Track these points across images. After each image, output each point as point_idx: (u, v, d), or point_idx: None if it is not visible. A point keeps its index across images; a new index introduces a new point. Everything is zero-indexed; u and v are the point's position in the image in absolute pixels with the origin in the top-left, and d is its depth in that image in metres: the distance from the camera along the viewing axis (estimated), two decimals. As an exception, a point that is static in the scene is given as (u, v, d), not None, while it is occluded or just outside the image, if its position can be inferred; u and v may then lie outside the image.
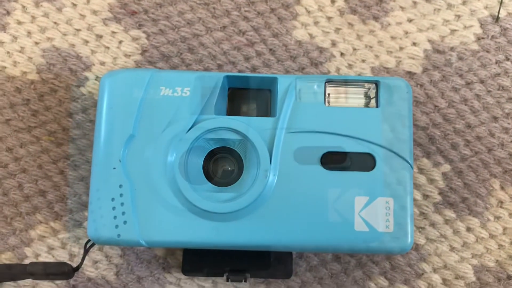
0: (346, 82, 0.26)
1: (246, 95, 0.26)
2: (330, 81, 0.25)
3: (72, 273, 0.26)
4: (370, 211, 0.24)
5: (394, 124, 0.25)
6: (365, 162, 0.24)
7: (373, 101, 0.25)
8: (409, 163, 0.24)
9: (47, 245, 0.29)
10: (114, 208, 0.25)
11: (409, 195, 0.24)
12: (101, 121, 0.25)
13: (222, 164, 0.26)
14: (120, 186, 0.25)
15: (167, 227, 0.24)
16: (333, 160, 0.24)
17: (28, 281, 0.29)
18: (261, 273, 0.27)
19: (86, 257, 0.29)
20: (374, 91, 0.25)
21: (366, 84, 0.26)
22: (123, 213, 0.24)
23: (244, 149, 0.25)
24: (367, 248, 0.24)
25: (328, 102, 0.25)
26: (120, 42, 0.31)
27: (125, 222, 0.24)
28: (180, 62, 0.31)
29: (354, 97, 0.25)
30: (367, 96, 0.26)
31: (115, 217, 0.25)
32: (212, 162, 0.26)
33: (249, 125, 0.25)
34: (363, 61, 0.31)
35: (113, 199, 0.25)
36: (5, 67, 0.31)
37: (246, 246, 0.24)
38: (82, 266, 0.29)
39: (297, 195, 0.24)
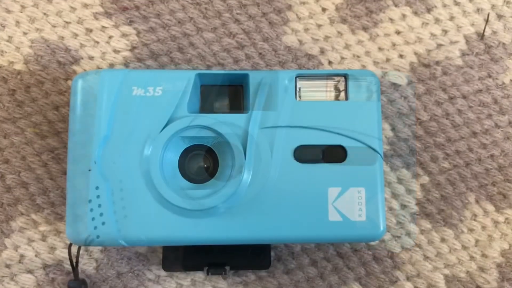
0: (315, 76, 0.26)
1: (219, 92, 0.27)
2: (300, 76, 0.26)
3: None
4: (343, 201, 0.25)
5: (364, 115, 0.25)
6: (337, 154, 0.25)
7: (342, 94, 0.26)
8: (379, 154, 0.25)
9: (27, 237, 0.29)
10: (92, 209, 0.25)
11: (380, 184, 0.25)
12: (74, 122, 0.25)
13: (197, 161, 0.26)
14: (97, 187, 0.25)
15: (145, 226, 0.25)
16: (306, 153, 0.25)
17: (30, 280, 0.29)
18: (240, 265, 0.28)
19: (66, 251, 0.29)
20: (343, 84, 0.26)
21: (335, 78, 0.26)
22: (101, 214, 0.25)
23: (219, 146, 0.25)
24: (341, 237, 0.25)
25: (299, 97, 0.26)
26: (110, 37, 0.31)
27: (103, 223, 0.25)
28: (169, 61, 0.31)
29: (324, 91, 0.26)
30: (337, 89, 0.26)
31: (93, 219, 0.25)
32: (187, 159, 0.26)
33: (222, 122, 0.25)
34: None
35: (90, 201, 0.25)
36: (2, 66, 0.31)
37: (223, 241, 0.25)
38: (62, 260, 0.29)
39: (272, 189, 0.25)
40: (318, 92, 0.26)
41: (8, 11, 0.31)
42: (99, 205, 0.25)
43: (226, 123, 0.25)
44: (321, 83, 0.26)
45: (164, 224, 0.25)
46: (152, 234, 0.25)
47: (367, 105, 0.26)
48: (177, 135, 0.25)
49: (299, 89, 0.26)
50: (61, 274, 0.29)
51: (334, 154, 0.25)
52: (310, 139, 0.25)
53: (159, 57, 0.31)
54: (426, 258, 0.30)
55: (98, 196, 0.25)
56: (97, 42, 0.31)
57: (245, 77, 0.26)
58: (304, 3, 0.32)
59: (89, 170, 0.25)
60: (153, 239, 0.25)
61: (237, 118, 0.25)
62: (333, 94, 0.26)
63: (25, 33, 0.31)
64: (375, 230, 0.25)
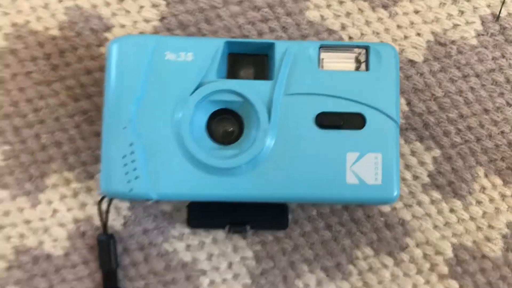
0: (338, 47, 0.28)
1: (245, 60, 0.28)
2: (324, 46, 0.27)
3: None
4: (360, 166, 0.26)
5: (382, 86, 0.27)
6: (356, 121, 0.27)
7: (363, 65, 0.27)
8: (396, 121, 0.27)
9: (59, 193, 0.31)
10: (125, 164, 0.26)
11: (396, 151, 0.27)
12: (109, 84, 0.27)
13: (224, 124, 0.27)
14: (131, 144, 0.26)
15: (175, 181, 0.26)
16: (327, 120, 0.27)
17: (62, 233, 0.31)
18: (260, 224, 0.29)
19: (96, 208, 0.31)
20: (364, 55, 0.27)
21: (356, 50, 0.28)
22: (134, 169, 0.26)
23: (244, 110, 0.27)
24: (357, 199, 0.27)
25: (322, 66, 0.27)
26: (141, 7, 0.33)
27: (136, 177, 0.26)
28: (197, 31, 0.33)
29: (346, 62, 0.28)
30: (357, 60, 0.28)
31: (127, 173, 0.26)
32: (215, 122, 0.27)
33: (249, 87, 0.26)
34: (370, 46, 0.33)
35: (124, 156, 0.26)
36: (29, 22, 0.32)
37: (245, 198, 0.27)
38: (92, 216, 0.31)
39: (294, 152, 0.26)
40: (340, 62, 0.28)
41: (45, -21, 0.33)
42: (133, 161, 0.26)
43: (252, 89, 0.26)
44: (343, 54, 0.28)
45: (192, 180, 0.26)
46: (180, 189, 0.26)
47: (386, 76, 0.27)
48: (206, 98, 0.26)
49: (322, 59, 0.27)
50: (91, 228, 0.31)
51: (354, 121, 0.27)
52: (331, 107, 0.27)
53: (187, 28, 0.33)
54: (435, 227, 0.32)
55: (132, 152, 0.26)
56: (129, 12, 0.33)
57: (271, 46, 0.27)
58: (327, -20, 0.33)
59: (124, 128, 0.26)
60: (181, 194, 0.27)
61: (263, 85, 0.27)
62: (354, 65, 0.28)
63: (60, 1, 0.33)
64: (389, 193, 0.27)
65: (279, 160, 0.26)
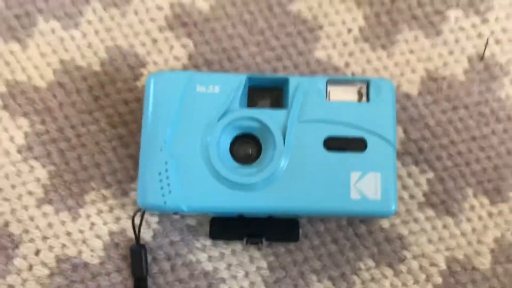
0: (343, 81, 0.32)
1: (263, 92, 0.33)
2: (331, 81, 0.32)
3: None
4: (362, 183, 0.30)
5: (381, 115, 0.31)
6: (359, 144, 0.31)
7: (364, 97, 0.32)
8: (393, 145, 0.31)
9: (97, 208, 0.35)
10: (160, 180, 0.31)
11: (393, 170, 0.31)
12: (148, 111, 0.31)
13: (245, 147, 0.32)
14: (166, 163, 0.31)
15: (203, 196, 0.30)
16: (334, 143, 0.31)
17: (98, 244, 0.35)
18: (274, 237, 0.33)
19: (128, 222, 0.35)
20: (365, 89, 0.32)
21: (359, 83, 0.32)
22: (168, 184, 0.31)
23: (263, 135, 0.31)
24: (360, 212, 0.31)
25: (329, 98, 0.32)
26: (172, 47, 0.38)
27: (169, 192, 0.31)
28: (220, 68, 0.37)
29: (350, 94, 0.32)
30: (360, 93, 0.32)
31: (161, 188, 0.31)
32: (237, 145, 0.32)
33: (267, 115, 0.31)
34: (370, 81, 0.37)
35: (159, 173, 0.31)
36: (75, 59, 0.37)
37: (262, 211, 0.31)
38: (125, 228, 0.35)
39: (305, 171, 0.30)
40: (344, 94, 0.32)
41: (89, 22, 0.38)
42: (167, 177, 0.31)
43: (269, 116, 0.31)
44: (347, 87, 0.32)
45: (217, 195, 0.30)
46: (207, 203, 0.31)
47: (385, 106, 0.32)
48: (230, 124, 0.31)
49: (329, 91, 0.32)
50: (124, 240, 0.35)
51: (357, 144, 0.31)
52: (337, 132, 0.31)
53: (211, 65, 0.37)
54: (430, 241, 0.36)
55: (166, 170, 0.31)
56: (161, 51, 0.38)
57: (285, 80, 0.32)
58: (333, 24, 0.38)
59: (160, 149, 0.31)
60: (208, 207, 0.31)
61: (278, 113, 0.31)
62: (356, 96, 0.32)
63: (102, 41, 0.38)
64: (388, 207, 0.31)
65: (292, 178, 0.31)
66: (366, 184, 0.31)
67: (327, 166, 0.31)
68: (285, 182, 0.31)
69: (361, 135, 0.31)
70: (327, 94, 0.32)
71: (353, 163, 0.31)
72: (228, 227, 0.34)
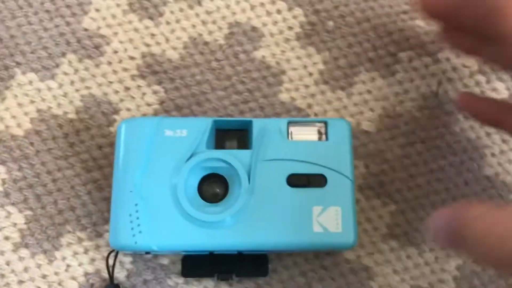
0: (303, 122, 0.35)
1: (229, 134, 0.35)
2: (292, 122, 0.34)
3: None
4: (324, 217, 0.32)
5: (339, 152, 0.33)
6: (319, 180, 0.33)
7: (323, 136, 0.34)
8: (351, 180, 0.33)
9: (72, 250, 0.37)
10: (131, 221, 0.32)
11: (352, 203, 0.33)
12: (119, 156, 0.33)
13: (212, 186, 0.33)
14: (136, 204, 0.32)
15: (172, 235, 0.32)
16: (296, 180, 0.33)
17: (74, 285, 0.36)
18: (244, 272, 0.35)
19: (103, 263, 0.36)
20: (324, 128, 0.34)
21: (318, 124, 0.34)
22: (138, 225, 0.32)
23: (229, 174, 0.33)
24: (323, 244, 0.32)
25: (291, 138, 0.34)
26: (144, 94, 0.40)
27: (140, 232, 0.32)
28: (190, 112, 0.40)
29: (310, 133, 0.34)
30: (319, 132, 0.34)
31: (132, 229, 0.32)
32: (205, 185, 0.33)
33: (232, 156, 0.33)
34: (331, 120, 0.40)
35: (130, 215, 0.32)
36: (51, 108, 0.39)
37: (231, 247, 0.32)
38: (100, 269, 0.36)
39: (269, 207, 0.32)
40: (305, 134, 0.34)
41: (65, 73, 0.40)
42: (137, 218, 0.32)
43: (235, 157, 0.33)
44: (307, 128, 0.35)
45: (186, 233, 0.32)
46: (176, 241, 0.32)
47: (342, 144, 0.34)
48: (197, 165, 0.33)
49: (291, 132, 0.34)
50: (99, 280, 0.36)
51: (318, 180, 0.33)
52: (299, 169, 0.33)
53: (182, 109, 0.40)
54: (395, 271, 0.37)
55: (136, 211, 0.32)
56: (133, 97, 0.40)
57: (250, 123, 0.34)
58: (295, 69, 0.41)
59: (130, 191, 0.32)
60: (177, 245, 0.32)
61: (244, 153, 0.33)
62: (316, 136, 0.34)
63: (77, 90, 0.40)
64: (349, 239, 0.32)
65: (257, 214, 0.32)
66: (327, 218, 0.32)
67: (291, 202, 0.33)
68: (252, 219, 0.32)
69: (321, 172, 0.33)
70: (288, 134, 0.34)
71: (314, 198, 0.33)
72: (199, 265, 0.35)
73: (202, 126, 0.34)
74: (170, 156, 0.33)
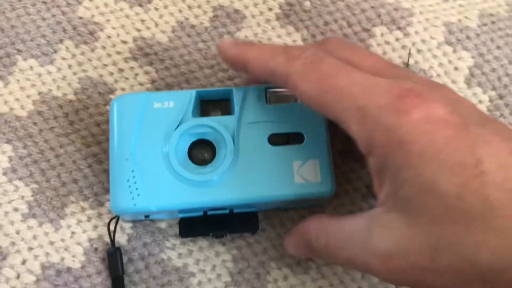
0: (279, 88, 0.37)
1: (213, 103, 0.38)
2: (268, 88, 0.37)
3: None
4: (303, 170, 0.35)
5: (313, 115, 0.36)
6: (298, 138, 0.36)
7: (299, 99, 0.37)
8: (325, 135, 0.36)
9: (76, 219, 0.40)
10: (129, 186, 0.35)
11: (329, 156, 0.36)
12: (113, 130, 0.36)
13: (201, 151, 0.36)
14: (132, 171, 0.35)
15: (168, 196, 0.35)
16: (276, 139, 0.36)
17: (79, 249, 0.39)
18: (236, 229, 0.38)
19: (105, 229, 0.39)
20: None
21: None
22: (136, 189, 0.35)
23: (215, 139, 0.36)
24: (304, 194, 0.35)
25: (269, 102, 0.37)
26: (136, 74, 0.43)
27: (138, 195, 0.35)
28: (179, 89, 0.43)
29: (287, 97, 0.37)
30: (293, 96, 0.37)
31: (130, 192, 0.35)
32: (194, 150, 0.36)
33: (217, 122, 0.36)
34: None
35: (128, 180, 0.35)
36: (51, 90, 0.42)
37: (221, 204, 0.35)
38: (103, 235, 0.40)
39: (254, 165, 0.35)
40: (282, 98, 0.37)
41: (63, 58, 0.43)
42: (135, 183, 0.35)
43: (219, 122, 0.36)
44: (283, 92, 0.37)
45: (179, 193, 0.35)
46: (171, 200, 0.35)
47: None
48: (186, 132, 0.36)
49: (269, 97, 0.37)
50: (102, 245, 0.39)
51: (296, 138, 0.36)
52: (278, 130, 0.36)
53: (172, 87, 0.43)
54: (374, 226, 0.41)
55: (133, 177, 0.35)
56: (127, 78, 0.43)
57: (230, 92, 0.37)
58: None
59: (126, 159, 0.36)
60: (172, 204, 0.35)
61: (227, 119, 0.36)
62: (292, 98, 0.38)
63: (75, 73, 0.43)
64: (327, 188, 0.35)
65: (243, 172, 0.35)
66: (307, 170, 0.35)
67: (272, 159, 0.36)
68: (238, 176, 0.35)
69: (299, 130, 0.36)
70: (267, 99, 0.37)
71: (294, 154, 0.36)
72: (195, 226, 0.38)
73: (187, 97, 0.37)
74: (160, 126, 0.36)
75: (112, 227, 0.39)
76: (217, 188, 0.35)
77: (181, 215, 0.38)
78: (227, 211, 0.37)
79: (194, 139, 0.36)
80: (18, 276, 0.38)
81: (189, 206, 0.36)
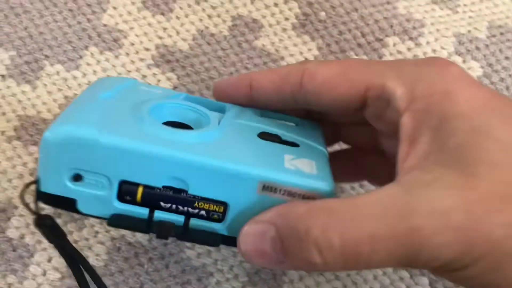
0: (275, 116, 0.32)
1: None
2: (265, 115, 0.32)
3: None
4: (297, 162, 0.27)
5: (312, 131, 0.31)
6: (292, 144, 0.29)
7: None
8: (324, 148, 0.30)
9: (99, 220, 0.41)
10: (87, 115, 0.27)
11: (327, 162, 0.28)
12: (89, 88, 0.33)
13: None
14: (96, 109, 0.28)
15: (127, 132, 0.26)
16: (267, 136, 0.29)
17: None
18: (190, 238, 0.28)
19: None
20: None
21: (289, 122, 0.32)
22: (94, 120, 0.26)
23: (197, 122, 0.29)
24: (297, 183, 0.25)
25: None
26: (159, 80, 0.45)
27: (93, 125, 0.26)
28: (200, 95, 0.45)
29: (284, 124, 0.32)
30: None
31: (86, 121, 0.27)
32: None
33: (204, 108, 0.30)
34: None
35: (86, 111, 0.28)
36: (77, 94, 0.44)
37: (192, 165, 0.25)
38: (125, 235, 0.41)
39: (237, 143, 0.28)
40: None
41: (88, 64, 0.45)
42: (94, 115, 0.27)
43: (206, 107, 0.30)
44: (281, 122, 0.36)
45: (142, 135, 0.26)
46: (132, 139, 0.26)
47: (316, 125, 0.33)
48: (165, 105, 0.29)
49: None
50: (125, 244, 0.41)
51: (290, 143, 0.29)
52: (271, 131, 0.30)
53: (193, 93, 0.44)
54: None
55: (94, 110, 0.28)
56: (150, 84, 0.45)
57: (223, 107, 0.31)
58: (292, 55, 0.46)
59: (95, 101, 0.29)
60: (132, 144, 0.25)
61: (216, 114, 0.30)
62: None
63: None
64: (324, 183, 0.26)
65: (225, 143, 0.27)
66: (301, 163, 0.27)
67: (260, 147, 0.28)
68: (217, 145, 0.26)
69: (294, 141, 0.29)
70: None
71: (287, 151, 0.28)
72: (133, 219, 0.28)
73: (176, 94, 0.33)
74: (140, 96, 0.30)
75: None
76: (192, 148, 0.25)
77: (121, 207, 0.27)
78: (181, 221, 0.27)
79: (172, 118, 0.29)
80: (44, 273, 0.40)
81: (154, 152, 0.25)
